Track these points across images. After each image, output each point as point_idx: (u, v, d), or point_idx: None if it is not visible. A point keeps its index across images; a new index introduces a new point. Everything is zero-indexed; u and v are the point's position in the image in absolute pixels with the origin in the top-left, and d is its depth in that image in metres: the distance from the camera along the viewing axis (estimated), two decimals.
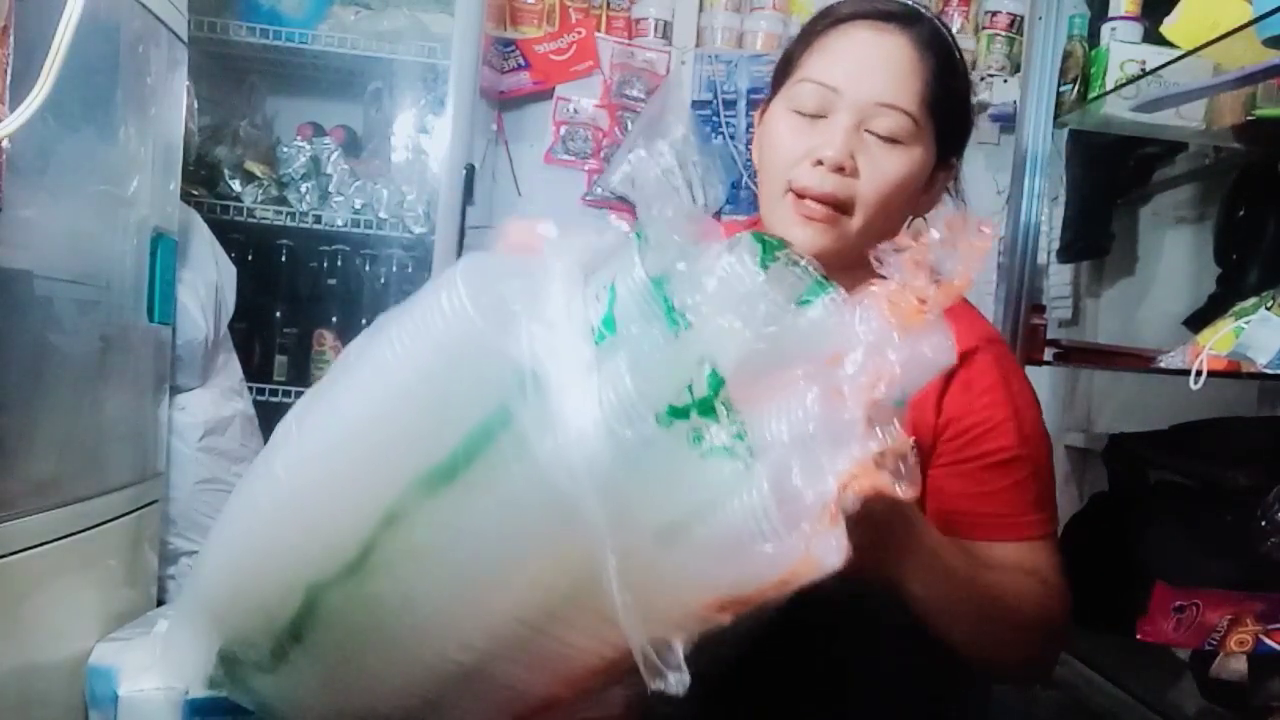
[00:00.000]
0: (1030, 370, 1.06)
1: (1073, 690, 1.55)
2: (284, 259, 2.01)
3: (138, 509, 1.31)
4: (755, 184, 1.86)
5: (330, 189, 1.91)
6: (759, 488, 0.62)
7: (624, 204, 2.21)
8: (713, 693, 0.79)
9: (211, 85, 1.91)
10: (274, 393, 1.91)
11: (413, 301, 0.70)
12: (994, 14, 2.21)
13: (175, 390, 1.51)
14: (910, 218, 1.05)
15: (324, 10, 1.95)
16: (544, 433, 0.62)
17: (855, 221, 0.96)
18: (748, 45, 2.25)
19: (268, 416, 1.75)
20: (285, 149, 1.92)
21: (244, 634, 0.79)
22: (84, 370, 1.16)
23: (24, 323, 1.02)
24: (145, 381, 1.35)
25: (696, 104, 2.23)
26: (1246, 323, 1.18)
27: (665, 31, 2.24)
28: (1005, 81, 2.17)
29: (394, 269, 2.02)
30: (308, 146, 1.92)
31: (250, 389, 1.76)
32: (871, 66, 0.95)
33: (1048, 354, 1.74)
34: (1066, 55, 1.68)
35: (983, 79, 2.17)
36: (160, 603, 1.43)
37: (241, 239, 1.91)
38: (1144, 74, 1.55)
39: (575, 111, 2.25)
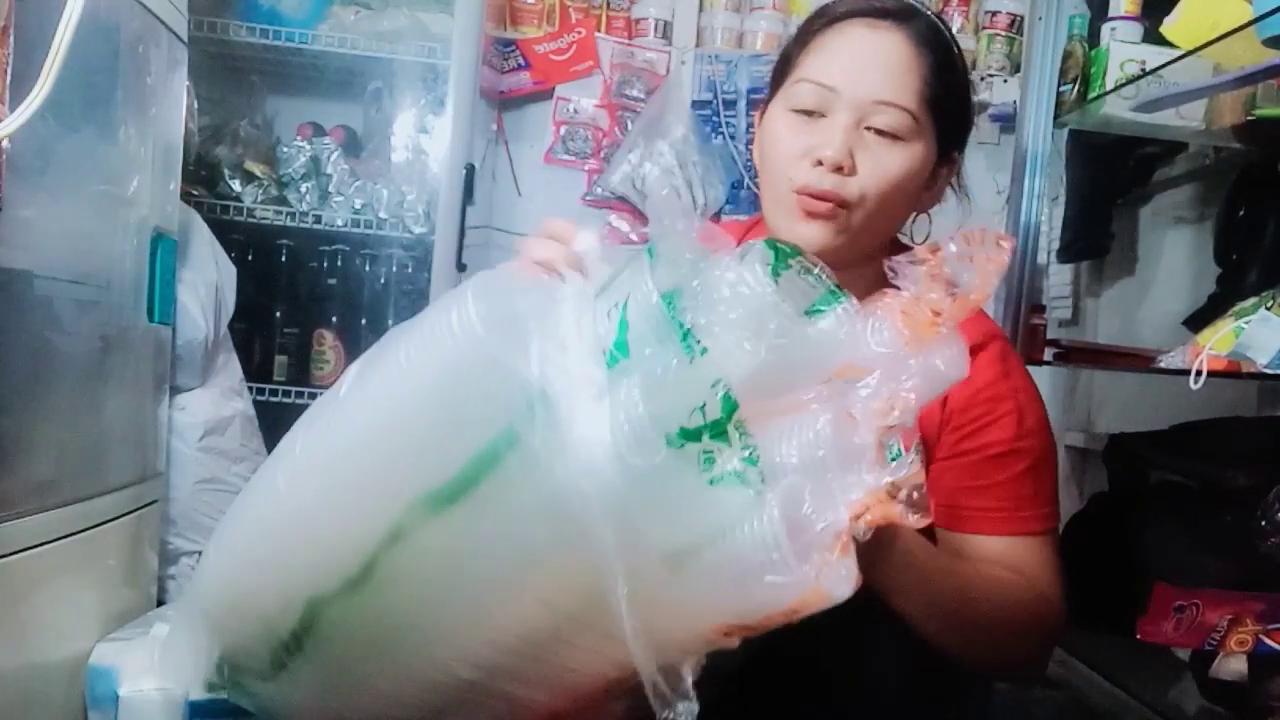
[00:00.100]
0: (1030, 370, 1.06)
1: (1073, 690, 1.55)
2: (284, 259, 2.01)
3: (138, 509, 1.31)
4: (755, 184, 1.86)
5: (330, 189, 1.91)
6: (770, 516, 0.61)
7: (624, 204, 2.21)
8: (713, 694, 0.80)
9: (211, 85, 1.91)
10: (274, 393, 1.91)
11: (423, 317, 0.69)
12: (994, 14, 2.21)
13: (175, 390, 1.51)
14: (914, 214, 1.05)
15: (324, 10, 1.95)
16: (553, 455, 0.62)
17: (856, 218, 0.96)
18: (748, 45, 2.25)
19: (268, 416, 1.75)
20: (285, 149, 1.92)
21: (244, 643, 0.78)
22: (84, 370, 1.16)
23: (24, 323, 1.02)
24: (145, 381, 1.35)
25: (696, 104, 2.23)
26: (1246, 323, 1.18)
27: (665, 31, 2.24)
28: (1005, 81, 2.17)
29: (394, 269, 2.02)
30: (308, 146, 1.92)
31: (250, 389, 1.76)
32: (869, 64, 0.95)
33: (1048, 354, 1.73)
34: (1066, 55, 1.68)
35: (983, 79, 2.17)
36: (160, 603, 1.43)
37: (241, 239, 1.91)
38: (1144, 74, 1.55)
39: (575, 111, 2.25)
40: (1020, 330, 1.73)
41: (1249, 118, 1.52)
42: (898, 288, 0.69)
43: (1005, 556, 0.95)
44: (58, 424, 1.11)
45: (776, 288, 0.66)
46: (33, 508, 1.04)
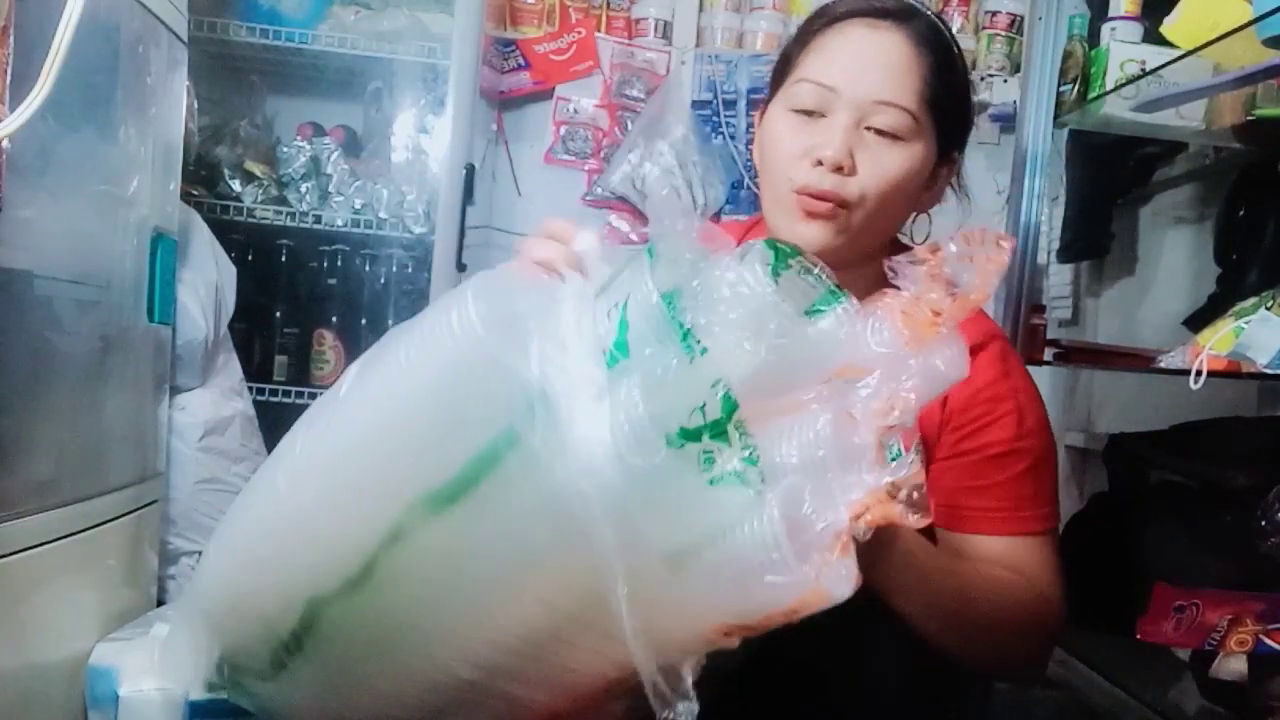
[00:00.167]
0: (1030, 370, 1.07)
1: (1073, 690, 1.55)
2: (284, 259, 2.01)
3: (138, 509, 1.31)
4: (755, 184, 1.86)
5: (330, 189, 1.91)
6: (770, 516, 0.61)
7: (624, 204, 2.21)
8: (713, 694, 0.79)
9: (211, 85, 1.91)
10: (274, 393, 1.92)
11: (423, 317, 0.69)
12: (994, 14, 2.21)
13: (175, 390, 1.51)
14: (914, 214, 1.05)
15: (324, 10, 1.95)
16: (553, 455, 0.62)
17: (856, 218, 0.96)
18: (748, 45, 2.25)
19: (268, 416, 1.75)
20: (285, 149, 1.92)
21: (244, 643, 0.78)
22: (84, 370, 1.16)
23: (24, 323, 1.02)
24: (145, 381, 1.35)
25: (696, 104, 2.23)
26: (1246, 323, 1.18)
27: (665, 31, 2.24)
28: (1005, 81, 2.17)
29: (394, 269, 2.02)
30: (308, 146, 1.92)
31: (250, 389, 1.76)
32: (868, 64, 0.95)
33: (1048, 354, 1.74)
34: (1066, 55, 1.68)
35: (983, 79, 2.17)
36: (160, 603, 1.43)
37: (241, 239, 1.91)
38: (1144, 74, 1.55)
39: (575, 111, 2.25)
40: (1020, 330, 1.73)
41: (1249, 118, 1.52)
42: (898, 288, 0.69)
43: (1005, 556, 0.95)
44: (58, 424, 1.11)
45: (776, 288, 0.66)
46: (33, 508, 1.04)
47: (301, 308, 2.01)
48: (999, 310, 1.75)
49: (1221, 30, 1.31)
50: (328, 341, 1.99)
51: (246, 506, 0.78)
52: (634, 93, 2.23)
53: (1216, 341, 1.20)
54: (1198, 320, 1.60)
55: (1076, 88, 1.65)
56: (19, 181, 0.96)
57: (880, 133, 0.95)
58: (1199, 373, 1.16)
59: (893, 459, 0.98)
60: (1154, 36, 1.55)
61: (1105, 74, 1.58)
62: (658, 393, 0.62)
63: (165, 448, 1.46)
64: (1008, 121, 2.14)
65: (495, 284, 0.69)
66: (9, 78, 0.89)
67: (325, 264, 2.03)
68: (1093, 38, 1.67)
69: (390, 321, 1.98)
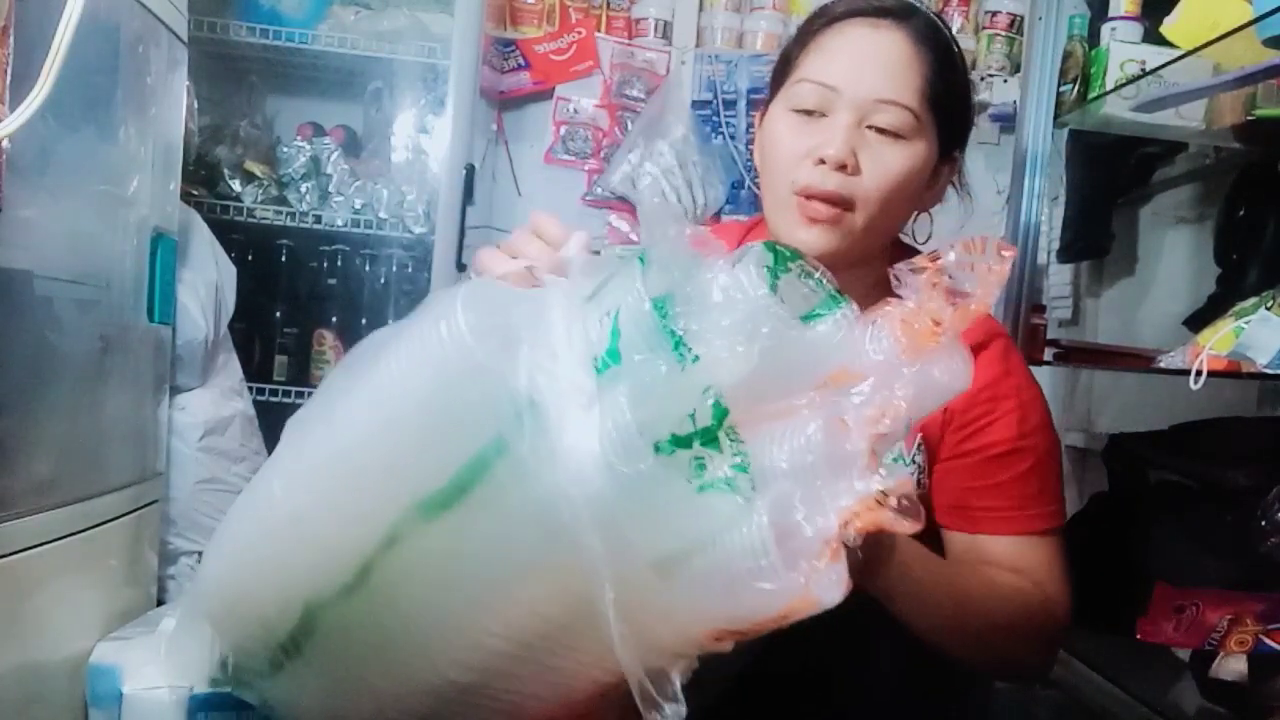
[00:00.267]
0: (1031, 370, 1.07)
1: (1073, 690, 1.55)
2: (284, 259, 2.01)
3: (138, 509, 1.31)
4: (756, 185, 1.86)
5: (330, 189, 1.91)
6: (759, 523, 0.61)
7: (624, 204, 2.21)
8: (713, 696, 0.79)
9: (211, 85, 1.91)
10: (274, 393, 1.92)
11: (412, 320, 0.69)
12: (994, 14, 2.21)
13: (175, 390, 1.51)
14: (916, 213, 1.05)
15: (324, 10, 1.95)
16: (541, 463, 0.62)
17: (859, 219, 0.96)
18: (748, 45, 2.25)
19: (268, 416, 1.75)
20: (285, 149, 1.92)
21: (243, 644, 0.79)
22: (84, 370, 1.16)
23: (24, 323, 1.02)
24: (145, 381, 1.35)
25: (696, 104, 2.23)
26: (1246, 323, 1.18)
27: (665, 31, 2.24)
28: (1005, 81, 2.17)
29: (394, 269, 2.02)
30: (308, 146, 1.92)
31: (250, 389, 1.76)
32: (869, 63, 0.95)
33: (1048, 354, 1.74)
34: (1066, 55, 1.68)
35: (983, 79, 2.17)
36: (160, 602, 1.43)
37: (241, 239, 1.91)
38: (1144, 74, 1.55)
39: (575, 111, 2.25)
40: (1020, 330, 1.73)
41: (1249, 118, 1.52)
42: (899, 295, 0.69)
43: (1012, 556, 0.95)
44: (58, 424, 1.10)
45: (773, 291, 0.66)
46: (33, 508, 1.04)
47: (301, 308, 2.01)
48: (999, 310, 1.75)
49: (1221, 30, 1.31)
50: (328, 341, 1.99)
51: (244, 509, 0.79)
52: (634, 93, 2.23)
53: (1216, 341, 1.20)
54: (1198, 320, 1.60)
55: (1076, 88, 1.65)
56: (19, 181, 0.96)
57: (882, 131, 0.95)
58: (1199, 373, 1.16)
59: (894, 459, 0.99)
60: (1154, 36, 1.55)
61: (1105, 74, 1.58)
62: (648, 400, 0.62)
63: (165, 448, 1.46)
64: (1008, 121, 2.14)
65: (484, 292, 0.69)
66: (9, 78, 0.89)
67: (325, 264, 2.03)
68: (1093, 38, 1.67)
69: (390, 322, 1.98)
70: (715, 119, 2.24)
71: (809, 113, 0.96)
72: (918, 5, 1.00)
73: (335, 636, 0.72)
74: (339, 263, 2.03)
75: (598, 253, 0.79)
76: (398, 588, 0.68)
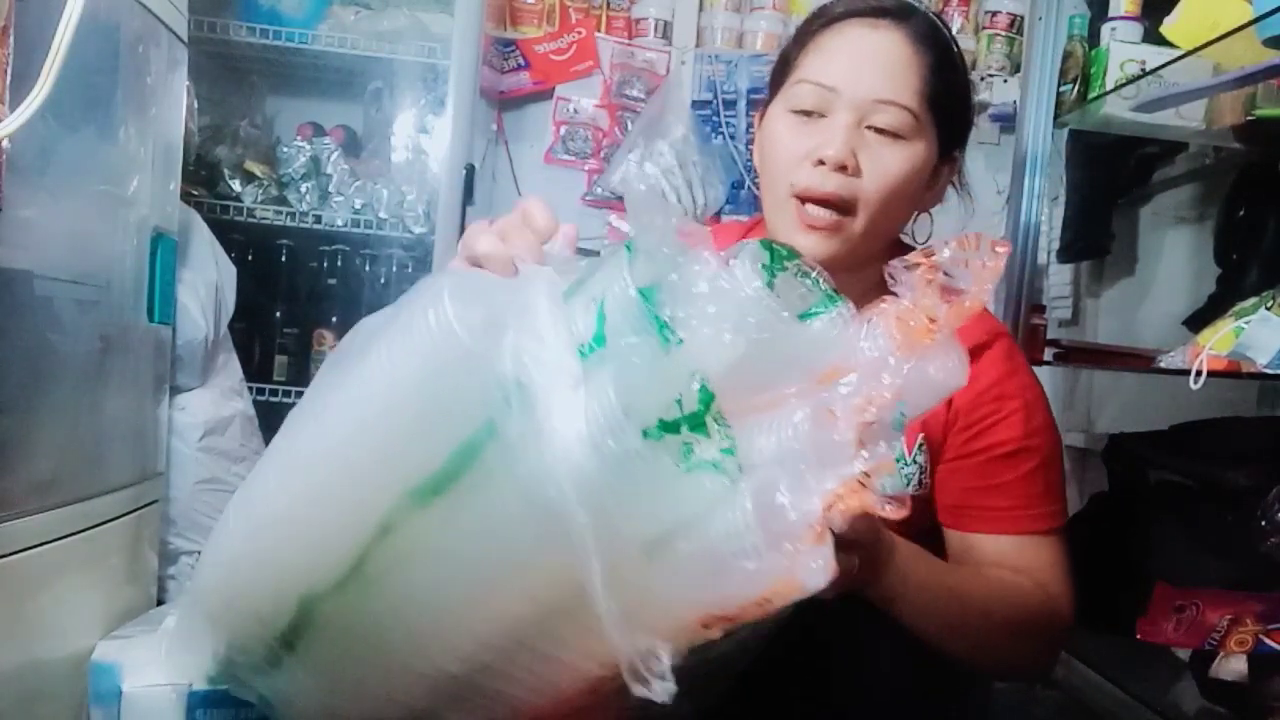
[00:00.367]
0: None
1: (1073, 690, 1.55)
2: (284, 259, 2.01)
3: (138, 509, 1.31)
4: (756, 185, 1.86)
5: (330, 189, 1.91)
6: (742, 504, 0.61)
7: (624, 204, 2.21)
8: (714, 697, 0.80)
9: (211, 85, 1.91)
10: (274, 393, 1.92)
11: (399, 310, 0.70)
12: (994, 14, 2.21)
13: (175, 390, 1.51)
14: (916, 214, 1.05)
15: (324, 10, 1.95)
16: (529, 444, 0.62)
17: (859, 222, 0.95)
18: (748, 45, 2.25)
19: (268, 416, 1.75)
20: (285, 149, 1.92)
21: (241, 640, 0.79)
22: (84, 370, 1.16)
23: (24, 323, 1.02)
24: (145, 381, 1.35)
25: (696, 104, 2.23)
26: (1246, 323, 1.18)
27: (665, 31, 2.24)
28: (1005, 81, 2.17)
29: (394, 269, 2.02)
30: (308, 146, 1.92)
31: (250, 389, 1.76)
32: (868, 64, 0.95)
33: (1048, 354, 1.74)
34: (1066, 55, 1.69)
35: (983, 79, 2.17)
36: (160, 602, 1.43)
37: (241, 239, 1.91)
38: (1144, 74, 1.55)
39: (575, 111, 2.25)
40: (1020, 330, 1.73)
41: (1249, 118, 1.53)
42: (896, 294, 0.69)
43: (1015, 556, 0.95)
44: (58, 424, 1.11)
45: (766, 285, 0.66)
46: (33, 508, 1.04)
47: (301, 308, 2.01)
48: (999, 310, 1.76)
49: (1221, 30, 1.31)
50: (328, 341, 1.99)
51: (240, 506, 0.79)
52: (634, 93, 2.23)
53: (1216, 341, 1.20)
54: (1198, 320, 1.60)
55: (1076, 88, 1.65)
56: (19, 181, 0.96)
57: (881, 132, 0.95)
58: (1199, 373, 1.16)
59: (894, 460, 0.98)
60: (1154, 36, 1.56)
61: (1105, 74, 1.58)
62: (633, 383, 0.62)
63: (165, 448, 1.46)
64: (1008, 121, 2.14)
65: (469, 282, 0.70)
66: (9, 78, 0.89)
67: (325, 264, 2.03)
68: (1093, 38, 1.67)
69: None
70: (715, 119, 2.24)
71: (808, 113, 0.96)
72: (916, 5, 1.00)
73: (330, 630, 0.72)
74: (339, 263, 2.03)
75: (597, 253, 0.79)
76: (391, 578, 0.69)
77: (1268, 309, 1.18)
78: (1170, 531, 1.45)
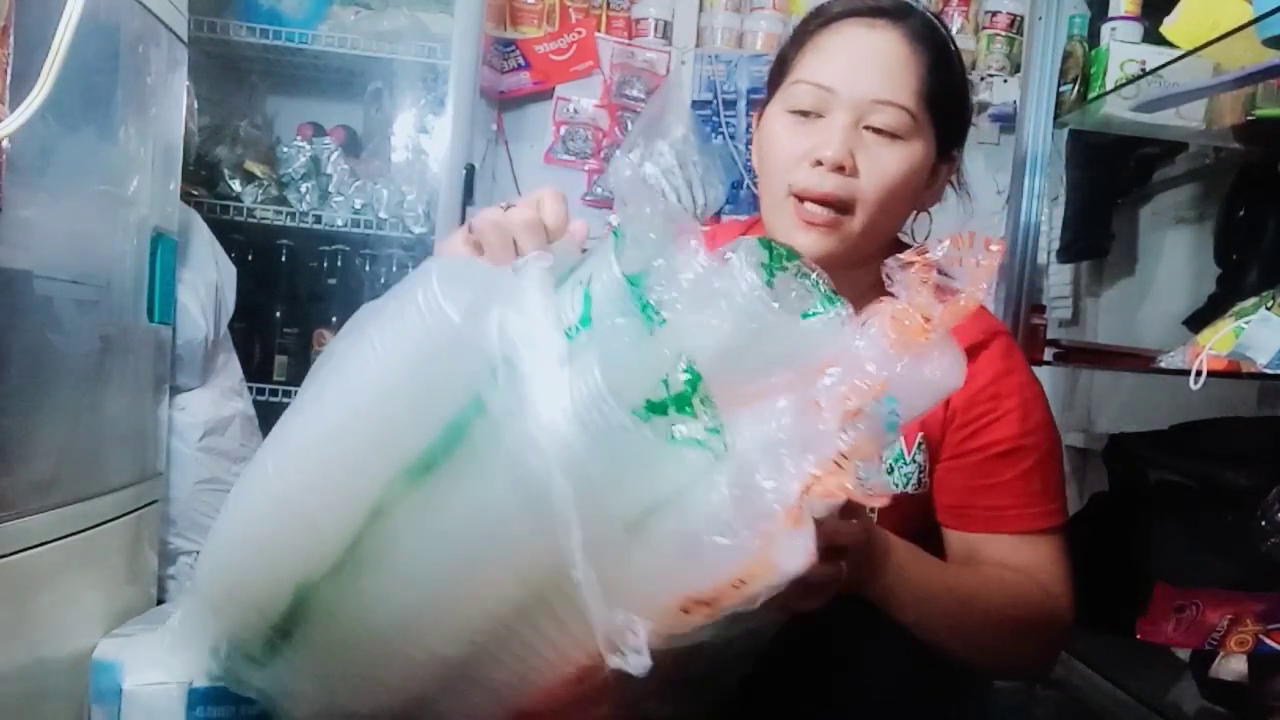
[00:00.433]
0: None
1: (1073, 690, 1.55)
2: (284, 259, 2.01)
3: (138, 509, 1.31)
4: (756, 185, 1.87)
5: (330, 189, 1.91)
6: (720, 483, 0.62)
7: None
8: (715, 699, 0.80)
9: (211, 85, 1.91)
10: (274, 393, 1.92)
11: (391, 296, 0.71)
12: (994, 14, 2.21)
13: (175, 390, 1.51)
14: (915, 213, 1.05)
15: (324, 10, 1.95)
16: (515, 418, 0.63)
17: (857, 221, 0.95)
18: (748, 45, 2.25)
19: (268, 416, 1.75)
20: (285, 149, 1.92)
21: (238, 630, 0.79)
22: (84, 370, 1.16)
23: (24, 323, 1.02)
24: (145, 381, 1.35)
25: (696, 104, 2.23)
26: (1246, 323, 1.18)
27: (665, 31, 2.24)
28: (1005, 81, 2.17)
29: (394, 269, 2.02)
30: (308, 146, 1.92)
31: (250, 389, 1.76)
32: (865, 64, 0.95)
33: (1048, 354, 1.74)
34: (1066, 55, 1.68)
35: (983, 79, 2.17)
36: (160, 602, 1.43)
37: (241, 239, 1.91)
38: (1144, 74, 1.55)
39: (575, 111, 2.25)
40: (1020, 330, 1.73)
41: (1249, 118, 1.52)
42: (894, 294, 0.69)
43: (1014, 555, 0.95)
44: (58, 424, 1.11)
45: (766, 285, 0.67)
46: (33, 507, 1.04)
47: (301, 308, 2.01)
48: (999, 310, 1.75)
49: (1221, 30, 1.31)
50: (328, 341, 1.98)
51: (238, 498, 0.79)
52: (634, 93, 2.23)
53: (1216, 341, 1.20)
54: (1198, 320, 1.60)
55: (1076, 88, 1.65)
56: (19, 181, 0.96)
57: (879, 132, 0.95)
58: (1199, 373, 1.16)
59: (894, 459, 0.99)
60: (1154, 36, 1.55)
61: (1105, 74, 1.58)
62: (619, 363, 0.63)
63: (165, 448, 1.46)
64: (1008, 121, 2.14)
65: (458, 268, 0.71)
66: (9, 78, 0.89)
67: (325, 264, 2.03)
68: (1093, 38, 1.67)
69: None
70: (715, 119, 2.23)
71: (806, 114, 0.96)
72: (914, 4, 1.00)
73: (325, 617, 0.73)
74: (339, 263, 2.03)
75: None
76: (384, 562, 0.69)
77: (1268, 309, 1.17)
78: (1170, 531, 1.45)
